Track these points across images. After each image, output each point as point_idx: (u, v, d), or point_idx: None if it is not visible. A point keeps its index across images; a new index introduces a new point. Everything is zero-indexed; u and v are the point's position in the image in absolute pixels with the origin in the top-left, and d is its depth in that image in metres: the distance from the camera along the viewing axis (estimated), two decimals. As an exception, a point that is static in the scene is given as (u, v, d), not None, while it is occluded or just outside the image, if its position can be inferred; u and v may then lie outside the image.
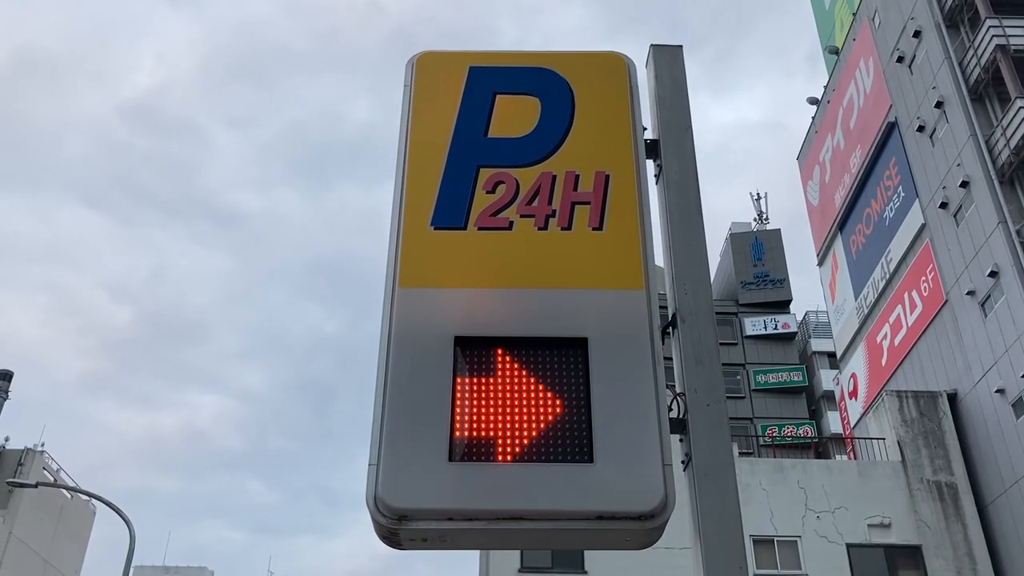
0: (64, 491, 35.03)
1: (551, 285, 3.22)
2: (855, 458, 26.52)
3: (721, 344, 3.22)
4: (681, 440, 3.13)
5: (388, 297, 3.18)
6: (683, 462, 3.08)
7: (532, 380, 2.99)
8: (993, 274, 23.71)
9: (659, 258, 3.40)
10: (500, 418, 2.92)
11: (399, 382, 2.98)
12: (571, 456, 2.87)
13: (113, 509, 22.98)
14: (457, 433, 2.88)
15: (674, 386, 3.18)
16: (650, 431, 2.92)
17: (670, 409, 3.06)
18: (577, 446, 2.89)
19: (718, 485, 2.98)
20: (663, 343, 3.18)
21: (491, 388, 2.98)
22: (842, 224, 33.73)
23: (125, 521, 22.50)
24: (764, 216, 56.01)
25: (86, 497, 33.71)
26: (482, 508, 2.78)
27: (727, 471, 3.00)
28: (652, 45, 3.88)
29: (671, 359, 3.30)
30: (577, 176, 3.46)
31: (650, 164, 3.68)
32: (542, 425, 2.91)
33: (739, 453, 27.26)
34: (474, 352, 3.03)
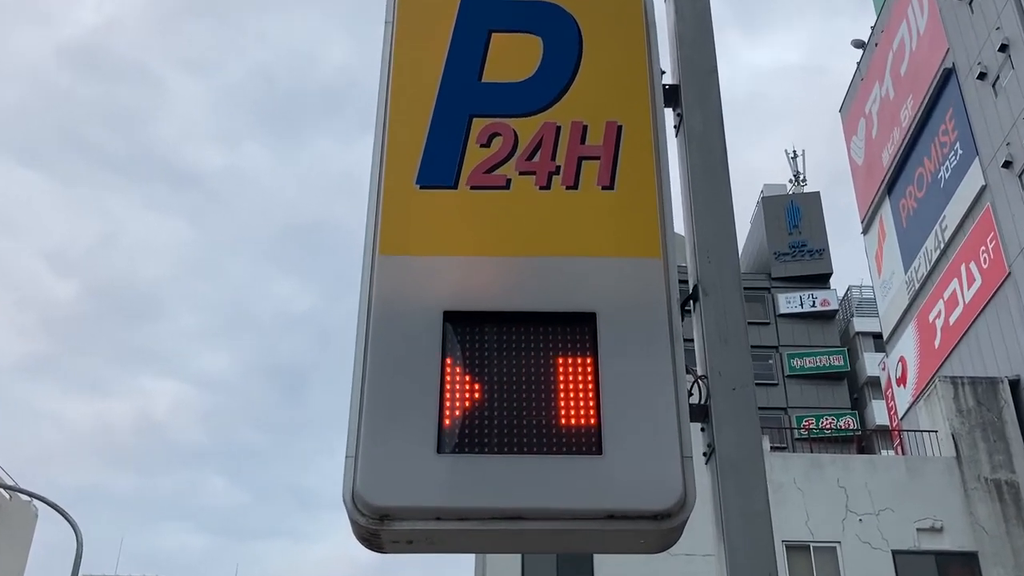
0: (1, 491, 35.21)
1: (554, 253, 3.22)
2: (903, 453, 26.62)
3: (751, 324, 3.25)
4: (703, 429, 3.13)
5: (368, 266, 3.16)
6: (705, 454, 3.09)
7: (533, 361, 3.02)
8: (1063, 243, 23.68)
9: (679, 223, 3.40)
10: (495, 404, 2.95)
11: (380, 364, 2.99)
12: (577, 447, 2.89)
13: (57, 511, 23.11)
14: (447, 421, 2.91)
15: (695, 368, 3.18)
16: (667, 419, 2.94)
17: (690, 394, 3.07)
18: (584, 436, 2.92)
19: (745, 481, 2.98)
20: (683, 319, 3.19)
21: (487, 370, 3.01)
22: (890, 186, 33.69)
23: (71, 524, 22.64)
24: (801, 177, 55.87)
25: (26, 497, 33.88)
26: (475, 506, 2.81)
27: (755, 465, 3.00)
28: (672, -25, 3.85)
29: (692, 340, 3.31)
30: (585, 127, 3.44)
31: (669, 114, 3.66)
32: (543, 412, 2.94)
33: (771, 448, 27.31)
34: (466, 329, 3.05)
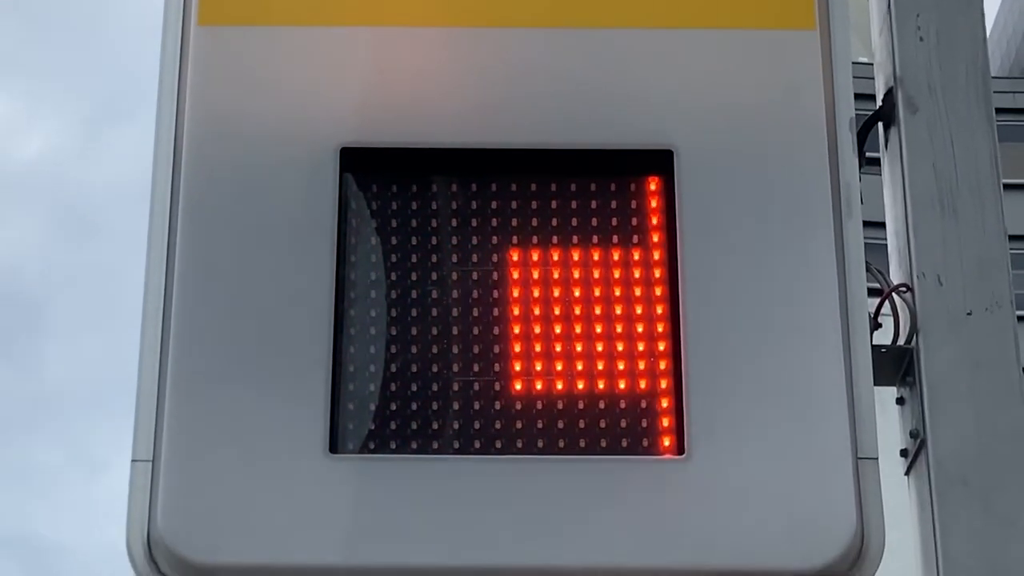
0: None
1: (580, 21, 2.33)
2: None
3: (1012, 186, 2.28)
4: (900, 400, 2.31)
5: (171, 54, 2.21)
6: (903, 452, 2.29)
7: (533, 261, 2.20)
8: None
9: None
10: (455, 352, 2.12)
11: (202, 272, 2.11)
12: (633, 442, 2.08)
13: None
14: (352, 385, 2.08)
15: (886, 274, 2.39)
16: (823, 380, 2.07)
17: (876, 324, 2.23)
18: (646, 418, 2.09)
19: (991, 513, 2.08)
20: (861, 165, 2.27)
21: (438, 279, 2.18)
22: None
23: None
24: None
25: None
26: (411, 563, 1.94)
27: (1019, 480, 2.11)
28: None
29: (871, 231, 2.33)
30: None
31: None
32: (560, 364, 2.12)
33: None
34: (388, 189, 2.22)
